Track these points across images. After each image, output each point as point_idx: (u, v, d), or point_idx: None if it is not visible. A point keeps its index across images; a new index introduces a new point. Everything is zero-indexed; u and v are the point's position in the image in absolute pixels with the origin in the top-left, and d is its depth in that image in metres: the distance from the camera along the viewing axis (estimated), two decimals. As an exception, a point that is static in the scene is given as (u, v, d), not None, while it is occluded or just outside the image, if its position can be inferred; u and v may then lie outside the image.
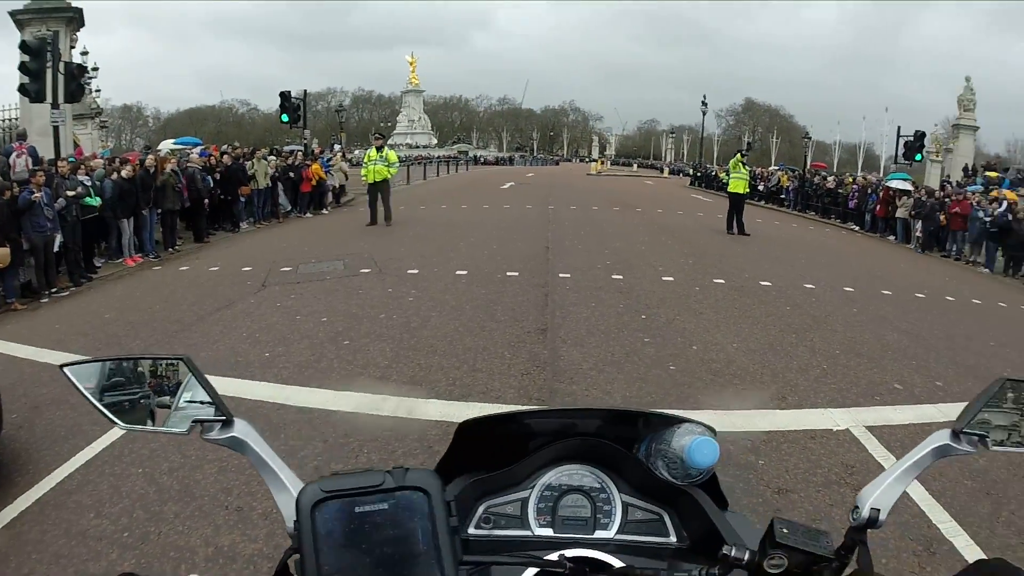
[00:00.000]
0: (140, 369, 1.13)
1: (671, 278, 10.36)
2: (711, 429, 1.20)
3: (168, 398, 1.11)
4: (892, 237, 23.04)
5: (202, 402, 1.08)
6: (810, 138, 44.60)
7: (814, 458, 4.79)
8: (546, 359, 6.66)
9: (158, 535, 3.75)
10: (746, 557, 1.03)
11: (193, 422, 1.08)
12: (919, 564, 3.73)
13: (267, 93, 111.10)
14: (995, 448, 1.13)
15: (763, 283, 10.58)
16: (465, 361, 6.62)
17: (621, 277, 10.33)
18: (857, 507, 1.09)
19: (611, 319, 7.96)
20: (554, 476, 1.30)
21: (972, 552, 3.96)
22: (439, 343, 7.09)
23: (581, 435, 1.31)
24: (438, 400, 5.66)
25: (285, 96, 22.85)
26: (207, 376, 1.09)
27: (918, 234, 21.51)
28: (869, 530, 1.07)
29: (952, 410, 6.17)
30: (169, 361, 1.12)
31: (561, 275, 10.32)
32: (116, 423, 1.11)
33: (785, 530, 1.01)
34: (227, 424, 1.08)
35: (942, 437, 1.13)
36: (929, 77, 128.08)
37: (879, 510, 1.07)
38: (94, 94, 39.41)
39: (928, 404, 6.22)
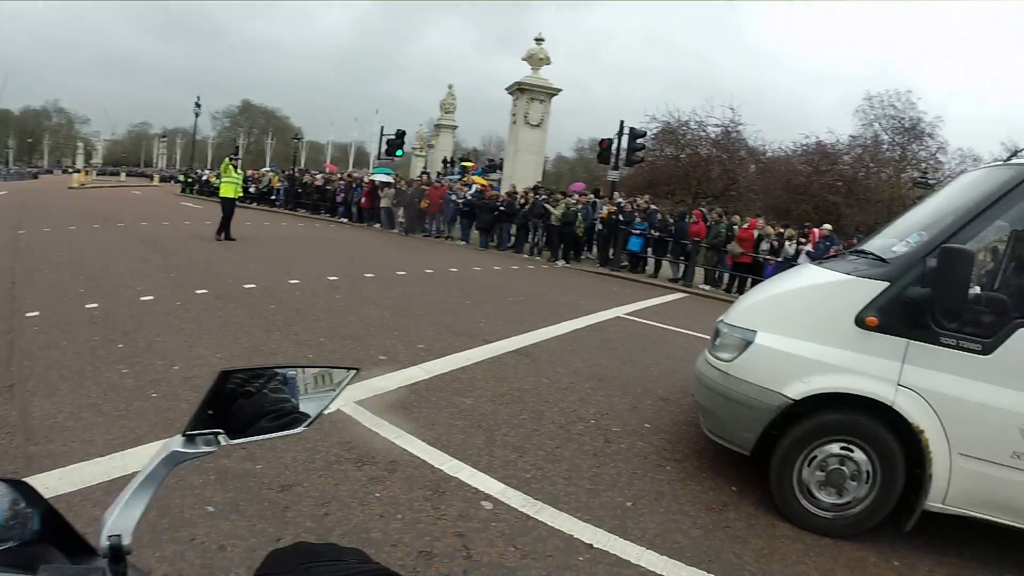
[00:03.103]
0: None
1: (151, 297, 9.43)
2: (9, 482, 1.00)
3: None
4: (378, 225, 24.67)
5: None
6: (300, 139, 45.64)
7: (311, 446, 4.65)
8: (16, 421, 5.50)
9: None
10: None
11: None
12: (432, 507, 3.90)
13: None
14: (233, 443, 1.12)
15: (247, 286, 10.22)
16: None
17: (97, 305, 9.10)
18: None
19: (85, 356, 6.90)
20: None
21: (479, 479, 4.31)
22: None
23: None
24: None
25: None
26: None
27: (401, 219, 23.40)
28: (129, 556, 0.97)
29: (434, 366, 6.69)
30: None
31: (28, 314, 8.69)
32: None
33: None
34: None
35: (174, 444, 1.09)
36: (425, 82, 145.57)
37: (119, 535, 0.97)
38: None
39: (413, 366, 6.63)
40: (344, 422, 5.11)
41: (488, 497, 4.09)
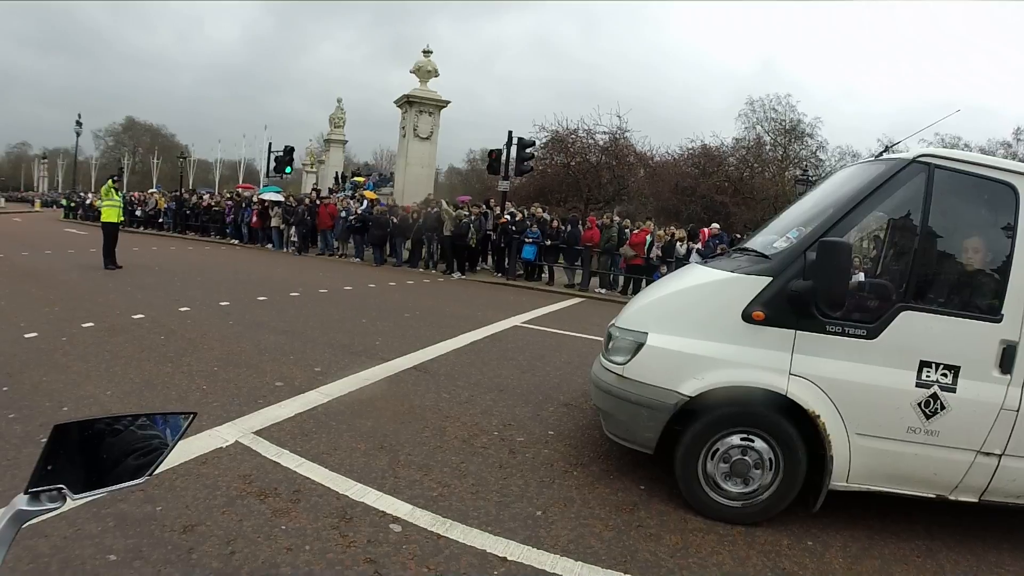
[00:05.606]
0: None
1: (35, 333, 8.83)
2: None
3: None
4: (270, 245, 24.11)
5: None
6: (185, 157, 43.93)
7: (211, 482, 4.44)
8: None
9: None
10: None
11: None
12: (340, 534, 3.79)
13: None
14: (77, 497, 1.11)
15: (136, 317, 9.72)
16: None
17: (-23, 345, 8.54)
18: None
19: (-31, 404, 6.47)
20: None
21: (386, 502, 4.21)
22: None
23: None
24: None
25: None
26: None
27: (293, 239, 22.93)
28: None
29: (332, 389, 6.51)
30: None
31: (-100, 360, 8.10)
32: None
33: None
34: None
35: (20, 503, 1.07)
36: (317, 95, 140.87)
37: None
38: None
39: (311, 391, 6.45)
40: (243, 454, 4.90)
41: (396, 519, 4.00)
